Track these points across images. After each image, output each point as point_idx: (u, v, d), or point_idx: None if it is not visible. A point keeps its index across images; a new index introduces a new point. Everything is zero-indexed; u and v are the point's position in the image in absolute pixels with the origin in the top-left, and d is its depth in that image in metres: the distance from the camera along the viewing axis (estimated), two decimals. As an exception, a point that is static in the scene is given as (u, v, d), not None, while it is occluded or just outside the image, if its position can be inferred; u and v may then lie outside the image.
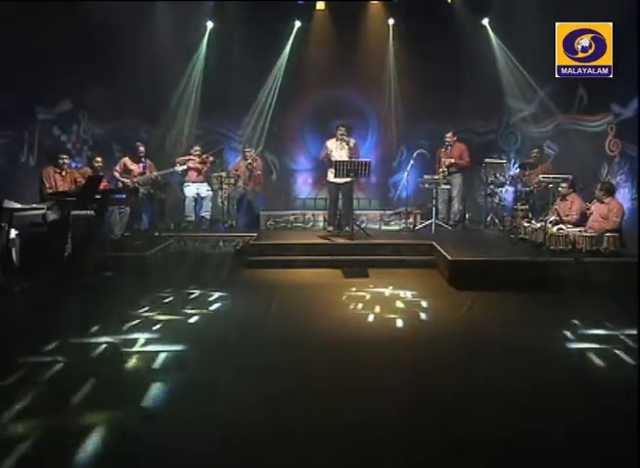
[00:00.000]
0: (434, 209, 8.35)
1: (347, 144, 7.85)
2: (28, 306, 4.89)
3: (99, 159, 7.78)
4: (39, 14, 6.67)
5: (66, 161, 6.99)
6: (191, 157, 8.82)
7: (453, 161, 8.69)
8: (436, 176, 8.54)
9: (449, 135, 8.84)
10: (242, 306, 5.25)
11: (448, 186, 8.66)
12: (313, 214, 9.14)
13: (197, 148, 8.97)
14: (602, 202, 6.47)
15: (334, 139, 7.95)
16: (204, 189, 8.84)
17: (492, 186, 8.39)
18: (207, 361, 3.81)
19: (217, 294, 5.50)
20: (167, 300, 5.32)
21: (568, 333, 4.32)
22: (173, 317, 4.76)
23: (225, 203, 8.80)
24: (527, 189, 7.91)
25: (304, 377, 3.51)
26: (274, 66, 9.66)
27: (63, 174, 6.93)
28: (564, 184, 6.99)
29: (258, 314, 4.95)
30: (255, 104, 9.75)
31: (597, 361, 3.80)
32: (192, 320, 4.70)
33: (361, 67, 9.67)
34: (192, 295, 5.48)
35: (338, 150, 7.86)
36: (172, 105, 9.43)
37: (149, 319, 4.66)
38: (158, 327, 4.44)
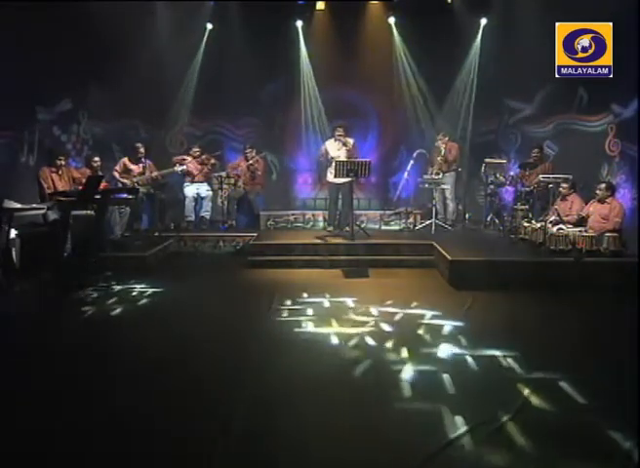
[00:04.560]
0: (434, 209, 8.35)
1: (345, 145, 7.85)
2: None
3: (97, 159, 7.75)
4: (39, 14, 6.67)
5: (63, 161, 6.98)
6: (188, 157, 8.83)
7: (451, 159, 8.69)
8: (436, 176, 8.54)
9: (439, 136, 8.84)
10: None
11: (446, 186, 8.66)
12: (313, 215, 9.14)
13: (196, 149, 8.96)
14: (603, 202, 6.47)
15: (332, 140, 7.95)
16: (204, 189, 8.84)
17: (492, 186, 8.39)
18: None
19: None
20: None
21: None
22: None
23: (225, 203, 8.80)
24: (527, 189, 7.90)
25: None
26: (274, 67, 9.64)
27: (60, 173, 6.92)
28: (564, 184, 7.00)
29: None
30: (255, 105, 9.75)
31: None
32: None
33: (361, 67, 9.63)
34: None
35: (336, 151, 7.86)
36: (172, 105, 9.44)
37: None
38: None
